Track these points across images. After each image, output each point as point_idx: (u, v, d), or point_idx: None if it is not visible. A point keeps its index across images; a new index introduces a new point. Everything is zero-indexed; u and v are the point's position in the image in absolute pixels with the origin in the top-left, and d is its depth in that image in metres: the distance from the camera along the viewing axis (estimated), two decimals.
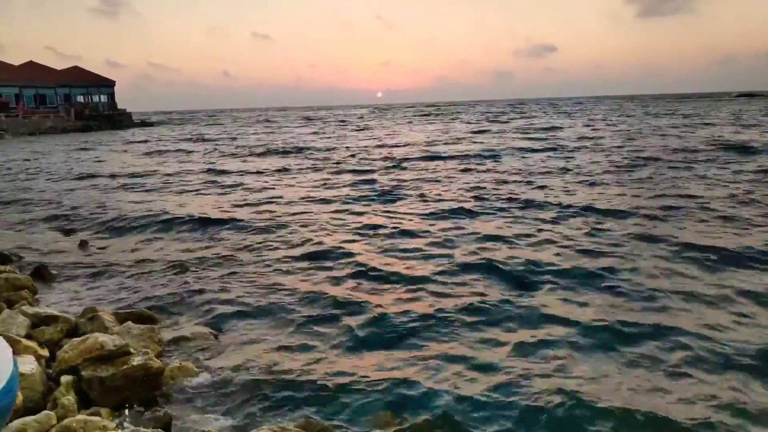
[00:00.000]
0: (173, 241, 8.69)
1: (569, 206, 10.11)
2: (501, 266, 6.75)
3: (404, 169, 17.11)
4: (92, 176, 17.61)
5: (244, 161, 21.22)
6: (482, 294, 5.94)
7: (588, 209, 9.91)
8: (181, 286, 6.65)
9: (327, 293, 6.12)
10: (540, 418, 3.70)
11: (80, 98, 58.88)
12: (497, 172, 15.60)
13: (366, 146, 26.06)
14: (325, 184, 14.34)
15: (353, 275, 6.76)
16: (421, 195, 12.20)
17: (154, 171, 18.48)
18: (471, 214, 10.00)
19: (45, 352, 4.31)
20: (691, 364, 4.31)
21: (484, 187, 12.81)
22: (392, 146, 25.51)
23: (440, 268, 6.81)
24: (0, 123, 44.39)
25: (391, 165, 18.06)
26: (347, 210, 10.75)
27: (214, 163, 20.83)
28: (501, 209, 10.26)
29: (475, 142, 26.33)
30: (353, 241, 8.38)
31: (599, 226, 8.67)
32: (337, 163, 19.53)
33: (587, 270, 6.54)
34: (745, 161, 16.13)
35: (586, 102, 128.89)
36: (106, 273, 7.33)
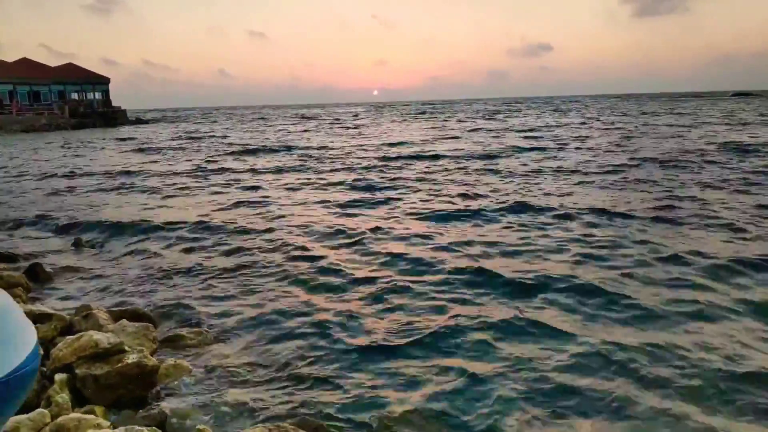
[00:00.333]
0: (168, 242, 8.65)
1: (564, 210, 9.90)
2: (495, 274, 6.46)
3: (397, 168, 16.97)
4: (84, 175, 17.50)
5: (236, 160, 21.04)
6: (476, 303, 5.74)
7: (582, 212, 9.69)
8: (176, 286, 6.63)
9: (320, 297, 6.09)
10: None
11: (75, 95, 58.61)
12: (491, 172, 15.50)
13: (359, 145, 25.95)
14: (316, 184, 14.20)
15: (346, 278, 6.69)
16: (414, 197, 12.03)
17: (145, 170, 18.28)
18: (463, 217, 9.79)
19: (39, 351, 4.29)
20: (695, 383, 4.04)
21: (477, 189, 12.64)
22: (385, 145, 25.39)
23: (433, 276, 6.59)
24: None
25: (383, 164, 17.92)
26: (339, 213, 10.57)
27: (205, 161, 20.59)
28: (495, 212, 9.99)
29: (468, 141, 26.38)
30: (344, 245, 8.23)
31: (594, 232, 8.38)
32: (330, 161, 19.43)
33: (583, 280, 6.20)
34: (743, 161, 16.17)
35: (582, 101, 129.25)
36: (101, 272, 7.30)
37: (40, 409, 3.35)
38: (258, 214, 10.61)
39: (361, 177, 15.06)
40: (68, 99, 56.76)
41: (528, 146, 22.07)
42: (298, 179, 15.29)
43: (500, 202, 10.83)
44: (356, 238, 8.43)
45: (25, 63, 56.48)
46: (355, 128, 42.10)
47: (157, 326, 5.28)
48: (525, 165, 16.75)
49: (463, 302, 5.78)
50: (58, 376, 3.83)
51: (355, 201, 11.64)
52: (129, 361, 4.01)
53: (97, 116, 55.79)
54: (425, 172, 15.88)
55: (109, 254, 8.11)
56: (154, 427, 3.34)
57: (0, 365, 1.17)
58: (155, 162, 20.96)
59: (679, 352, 4.47)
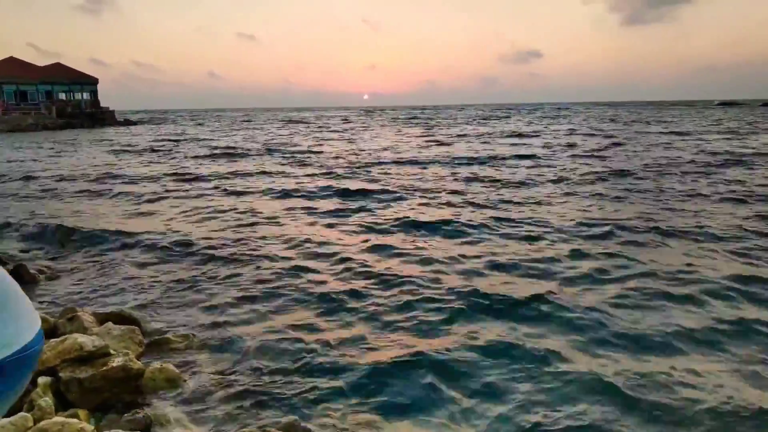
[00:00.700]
0: (154, 247, 8.53)
1: (550, 223, 9.57)
2: (479, 292, 6.12)
3: (385, 174, 16.58)
4: (69, 177, 17.26)
5: (220, 164, 20.50)
6: (462, 324, 5.43)
7: (570, 226, 9.31)
8: (163, 290, 6.57)
9: (309, 307, 6.00)
10: None
11: (62, 96, 58.06)
12: (479, 180, 15.16)
13: (348, 150, 25.62)
14: (300, 191, 13.83)
15: (335, 288, 6.58)
16: (398, 206, 11.61)
17: (130, 173, 17.87)
18: (448, 228, 9.34)
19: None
20: (688, 413, 3.87)
21: (464, 198, 12.31)
22: (374, 151, 25.13)
23: (414, 296, 6.16)
24: None
25: (369, 171, 17.46)
26: (323, 220, 10.31)
27: (188, 165, 20.19)
28: (479, 224, 9.55)
29: (458, 148, 26.42)
30: (327, 254, 8.01)
31: (580, 248, 7.95)
32: (316, 166, 19.08)
33: (572, 299, 5.90)
34: (736, 171, 16.32)
35: (571, 107, 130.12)
36: (87, 275, 7.21)
37: (22, 413, 3.30)
38: (244, 220, 10.43)
39: (343, 184, 14.59)
40: (56, 99, 56.24)
41: (517, 154, 21.96)
42: (281, 184, 14.98)
43: (485, 215, 10.41)
44: (339, 249, 8.15)
45: (12, 62, 55.85)
46: (344, 132, 42.09)
47: (143, 329, 5.22)
48: (513, 173, 16.51)
49: (450, 321, 5.46)
50: (42, 380, 3.77)
51: (338, 209, 11.27)
52: (114, 364, 3.96)
53: (85, 117, 55.32)
54: (411, 180, 15.52)
55: (94, 258, 8.02)
56: None
57: (16, 338, 1.20)
58: (140, 164, 20.53)
59: (672, 379, 4.27)
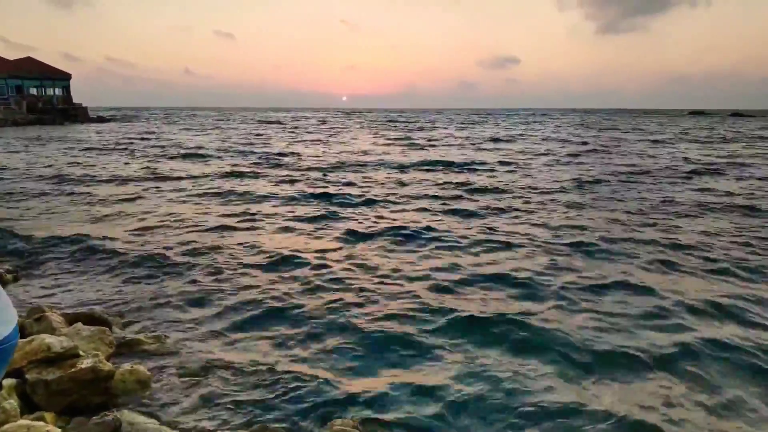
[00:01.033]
0: (126, 247, 8.40)
1: (523, 233, 9.35)
2: (446, 308, 5.86)
3: (360, 179, 16.30)
4: (39, 176, 16.88)
5: (191, 166, 20.12)
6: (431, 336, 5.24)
7: (541, 237, 9.12)
8: (134, 291, 6.48)
9: (281, 308, 5.98)
10: None
11: (33, 91, 56.61)
12: (457, 186, 15.08)
13: (323, 153, 25.33)
14: (274, 193, 13.70)
15: (306, 289, 6.61)
16: (371, 213, 11.37)
17: (99, 172, 17.50)
18: (421, 238, 9.09)
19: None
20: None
21: (440, 206, 12.00)
22: (349, 153, 25.00)
23: (381, 307, 5.95)
24: None
25: (343, 176, 17.13)
26: (295, 227, 9.98)
27: (156, 166, 19.60)
28: (454, 234, 9.29)
29: (436, 152, 26.56)
30: (312, 248, 8.25)
31: (552, 260, 7.76)
32: (293, 170, 18.77)
33: (541, 320, 5.60)
34: (708, 180, 16.72)
35: (548, 113, 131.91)
36: (56, 275, 7.06)
37: None
38: (213, 223, 10.27)
39: (315, 188, 14.33)
40: (26, 94, 54.81)
41: (495, 159, 22.15)
42: (254, 185, 14.86)
43: (460, 224, 10.19)
44: (309, 257, 7.96)
45: None
46: (320, 134, 41.94)
47: (113, 330, 5.13)
48: (490, 179, 16.59)
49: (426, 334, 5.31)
50: (6, 382, 3.68)
51: (310, 215, 11.00)
52: (83, 365, 3.88)
53: (57, 113, 54.02)
54: (386, 186, 15.22)
55: (64, 258, 7.83)
56: None
57: None
58: (109, 164, 19.90)
59: (647, 401, 4.17)
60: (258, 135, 39.29)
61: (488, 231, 9.68)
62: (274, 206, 12.06)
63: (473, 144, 31.23)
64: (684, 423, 3.89)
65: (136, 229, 9.50)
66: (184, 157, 22.90)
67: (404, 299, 6.19)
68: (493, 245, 8.68)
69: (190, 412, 3.90)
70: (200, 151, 25.01)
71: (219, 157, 22.82)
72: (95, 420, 3.51)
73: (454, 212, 11.45)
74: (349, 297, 6.26)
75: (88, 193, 13.48)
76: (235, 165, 19.85)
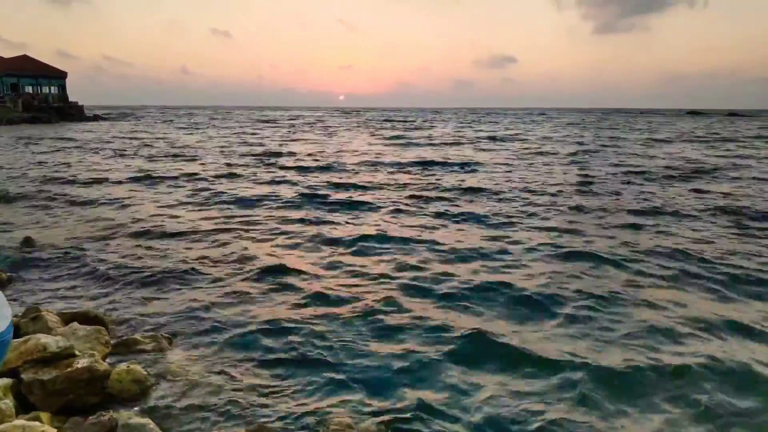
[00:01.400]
0: (121, 248, 8.39)
1: (515, 240, 9.01)
2: (433, 325, 5.52)
3: (352, 181, 15.80)
4: (37, 176, 16.81)
5: (188, 162, 20.17)
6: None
7: (534, 244, 8.72)
8: (131, 290, 6.47)
9: (277, 308, 6.01)
10: None
11: (29, 89, 56.38)
12: (452, 189, 14.61)
13: (317, 152, 25.07)
14: (267, 193, 13.51)
15: (303, 288, 6.62)
16: (366, 217, 11.01)
17: (96, 171, 17.51)
18: (414, 244, 8.68)
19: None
20: None
21: (433, 213, 11.38)
22: (341, 153, 24.81)
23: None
24: None
25: (336, 176, 16.97)
26: (289, 229, 9.79)
27: (154, 164, 19.66)
28: (452, 248, 8.48)
29: (433, 152, 26.50)
30: (304, 257, 8.05)
31: (545, 270, 7.38)
32: (286, 169, 18.58)
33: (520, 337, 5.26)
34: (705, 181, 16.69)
35: (545, 113, 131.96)
36: (52, 275, 7.04)
37: None
38: (210, 220, 10.27)
39: (309, 190, 14.13)
40: (22, 92, 54.56)
41: (491, 161, 22.09)
42: (248, 187, 14.68)
43: (462, 232, 9.72)
44: (304, 258, 7.94)
45: None
46: (314, 132, 41.86)
47: (110, 330, 5.11)
48: (487, 180, 16.48)
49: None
50: (2, 381, 3.66)
51: (308, 217, 10.79)
52: (79, 365, 3.87)
53: (53, 111, 53.81)
54: (383, 187, 14.91)
55: (60, 258, 7.79)
56: None
57: None
58: (102, 164, 19.75)
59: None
60: (253, 134, 39.21)
61: (484, 238, 9.19)
62: (268, 209, 11.80)
63: (469, 143, 31.23)
64: None
65: (129, 231, 9.43)
66: (176, 156, 22.72)
67: (395, 306, 6.11)
68: (489, 252, 8.27)
69: (187, 412, 3.88)
70: (192, 151, 24.86)
71: (211, 157, 22.60)
72: (91, 420, 3.50)
73: (449, 216, 11.09)
74: (341, 302, 6.18)
75: (78, 194, 13.33)
76: (227, 165, 19.66)
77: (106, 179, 15.86)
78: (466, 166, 19.89)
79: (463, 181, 16.10)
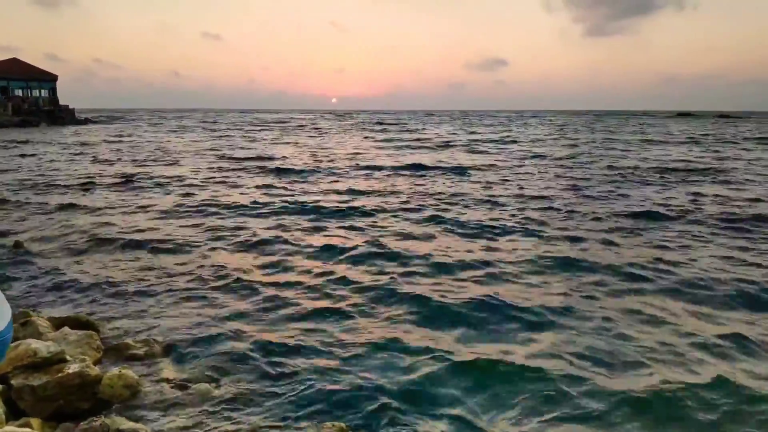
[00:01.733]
0: (113, 252, 8.34)
1: (507, 249, 8.75)
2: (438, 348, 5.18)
3: (343, 187, 15.53)
4: (27, 180, 16.66)
5: (174, 167, 19.93)
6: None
7: (526, 253, 8.45)
8: (123, 295, 6.43)
9: (269, 315, 5.94)
10: None
11: (19, 92, 55.94)
12: (443, 194, 14.46)
13: (308, 156, 24.89)
14: (254, 200, 13.25)
15: (295, 297, 6.54)
16: (361, 223, 10.73)
17: (90, 175, 17.37)
18: (406, 255, 8.30)
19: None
20: None
21: (426, 220, 11.08)
22: (332, 156, 24.60)
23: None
24: None
25: (327, 180, 16.80)
26: (281, 226, 9.90)
27: (136, 169, 19.39)
28: (443, 260, 8.08)
29: (426, 156, 26.50)
30: (294, 266, 7.86)
31: (540, 281, 7.12)
32: (275, 175, 18.36)
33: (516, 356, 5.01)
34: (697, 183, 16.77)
35: (537, 115, 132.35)
36: (42, 280, 6.99)
37: None
38: (198, 227, 10.18)
39: (300, 195, 13.94)
40: (12, 96, 54.12)
41: (482, 163, 22.03)
42: (236, 193, 14.46)
43: (453, 241, 9.40)
44: (299, 261, 7.91)
45: None
46: (306, 135, 41.80)
47: (101, 335, 5.08)
48: (480, 184, 16.38)
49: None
50: None
51: (300, 223, 10.63)
52: (70, 370, 3.85)
53: (43, 114, 53.45)
54: (378, 193, 14.62)
55: (50, 262, 7.75)
56: None
57: None
58: (88, 168, 19.53)
59: None
60: (243, 137, 38.93)
61: (478, 249, 8.78)
62: (257, 217, 11.39)
63: (461, 146, 31.27)
64: None
65: (119, 237, 9.28)
66: (164, 161, 22.35)
67: (387, 314, 6.14)
68: (479, 262, 7.92)
69: (179, 417, 3.86)
70: (181, 156, 24.52)
71: (199, 162, 22.20)
72: (83, 426, 3.47)
73: (441, 223, 10.79)
74: (332, 312, 6.05)
75: (68, 199, 13.15)
76: (216, 169, 19.39)
77: (95, 183, 15.70)
78: (457, 170, 19.75)
79: (453, 186, 15.94)
